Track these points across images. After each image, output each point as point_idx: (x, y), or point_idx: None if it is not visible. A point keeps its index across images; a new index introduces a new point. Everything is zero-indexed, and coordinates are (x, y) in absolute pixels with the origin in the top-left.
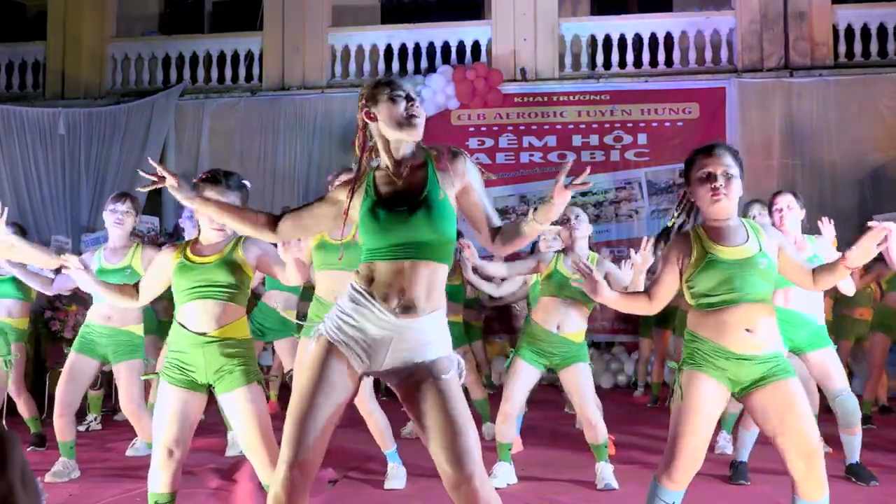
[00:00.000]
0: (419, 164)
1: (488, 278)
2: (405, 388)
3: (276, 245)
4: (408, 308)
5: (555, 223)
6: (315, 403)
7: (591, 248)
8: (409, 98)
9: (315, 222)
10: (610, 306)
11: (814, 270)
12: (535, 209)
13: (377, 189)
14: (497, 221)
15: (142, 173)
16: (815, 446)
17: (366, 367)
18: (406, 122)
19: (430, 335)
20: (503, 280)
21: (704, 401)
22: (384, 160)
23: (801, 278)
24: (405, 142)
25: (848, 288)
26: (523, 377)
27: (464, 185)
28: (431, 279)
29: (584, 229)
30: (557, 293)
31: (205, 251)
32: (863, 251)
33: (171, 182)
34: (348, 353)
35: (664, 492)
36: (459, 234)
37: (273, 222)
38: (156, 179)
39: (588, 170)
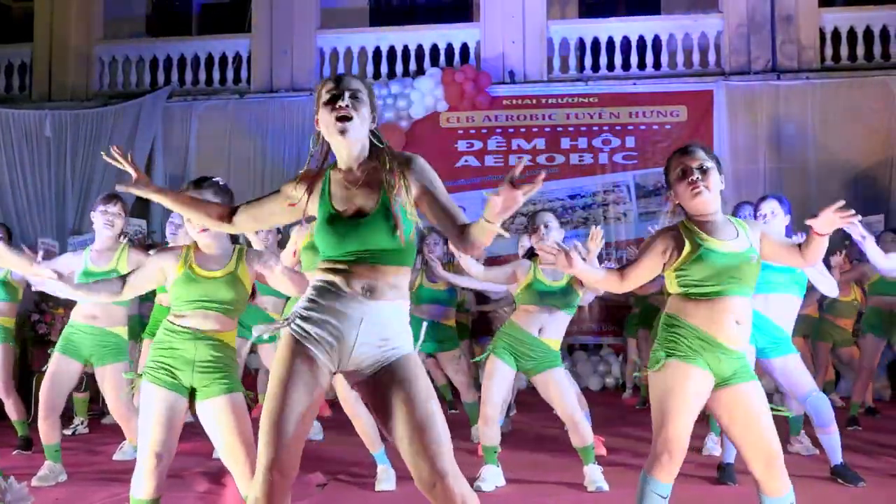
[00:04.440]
0: (375, 167)
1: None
2: (373, 392)
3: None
4: (373, 291)
5: (527, 230)
6: (286, 404)
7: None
8: (335, 97)
9: (269, 216)
10: (584, 279)
11: (800, 246)
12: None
13: (332, 196)
14: (463, 219)
15: (112, 154)
16: (774, 449)
17: (336, 359)
18: (335, 128)
19: (394, 326)
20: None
21: (690, 389)
22: (340, 163)
23: (792, 257)
24: (354, 145)
25: (830, 288)
26: (500, 377)
27: (419, 189)
28: (391, 277)
29: (552, 239)
30: (538, 302)
31: (210, 264)
32: (826, 220)
33: (134, 177)
34: (315, 347)
35: (657, 484)
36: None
37: (229, 214)
38: (121, 163)
39: (542, 175)
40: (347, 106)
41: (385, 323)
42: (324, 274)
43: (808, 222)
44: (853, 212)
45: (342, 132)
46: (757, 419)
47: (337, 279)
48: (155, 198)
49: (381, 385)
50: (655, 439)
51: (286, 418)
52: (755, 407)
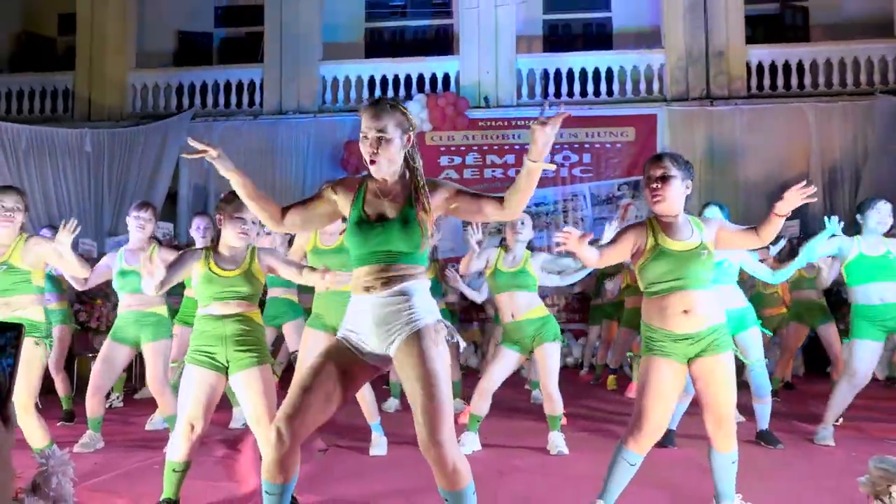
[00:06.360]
0: (406, 186)
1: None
2: (396, 365)
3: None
4: (375, 287)
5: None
6: (317, 380)
7: (529, 248)
8: (367, 137)
9: (312, 218)
10: (582, 255)
11: (755, 228)
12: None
13: (365, 202)
14: (495, 195)
15: (191, 143)
16: (726, 413)
17: (369, 352)
18: (369, 162)
19: (401, 307)
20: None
21: (661, 380)
22: (378, 175)
23: (749, 240)
24: (384, 173)
25: (766, 276)
26: (504, 360)
27: (449, 194)
28: (403, 272)
29: (526, 234)
30: (503, 287)
31: (227, 264)
32: (788, 201)
33: (212, 154)
34: (349, 343)
35: (629, 454)
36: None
37: (282, 214)
38: (200, 150)
39: (564, 110)
40: (373, 151)
41: (392, 309)
42: (353, 281)
43: (775, 205)
44: (814, 188)
45: (372, 170)
46: (714, 386)
47: (354, 284)
48: (227, 174)
49: (398, 360)
50: (633, 419)
51: (312, 389)
52: (715, 377)
